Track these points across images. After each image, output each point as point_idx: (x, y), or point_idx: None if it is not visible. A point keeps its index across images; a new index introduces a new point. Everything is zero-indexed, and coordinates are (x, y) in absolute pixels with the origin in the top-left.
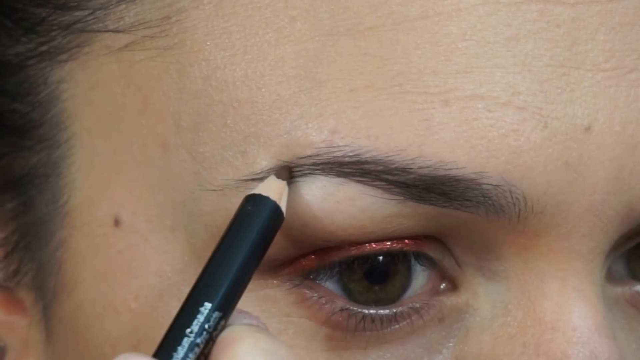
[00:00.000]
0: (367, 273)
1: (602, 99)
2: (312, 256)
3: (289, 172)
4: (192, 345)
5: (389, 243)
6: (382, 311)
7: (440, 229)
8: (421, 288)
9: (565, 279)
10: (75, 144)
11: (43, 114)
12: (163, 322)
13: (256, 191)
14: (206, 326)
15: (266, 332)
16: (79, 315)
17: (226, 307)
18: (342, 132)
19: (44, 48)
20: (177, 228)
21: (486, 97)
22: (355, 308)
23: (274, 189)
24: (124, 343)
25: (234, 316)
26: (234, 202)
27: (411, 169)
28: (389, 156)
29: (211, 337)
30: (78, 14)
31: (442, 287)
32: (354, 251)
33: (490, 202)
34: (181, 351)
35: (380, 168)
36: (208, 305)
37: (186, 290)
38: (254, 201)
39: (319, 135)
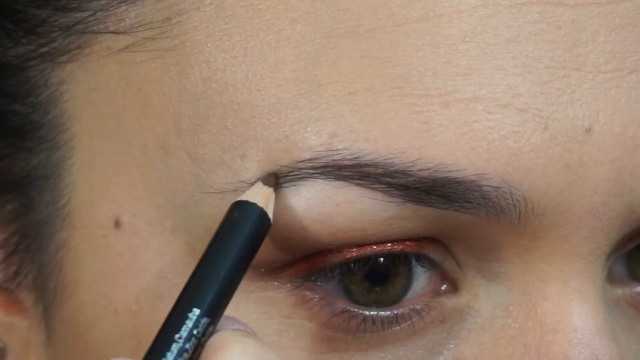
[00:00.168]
0: (368, 274)
1: (603, 100)
2: (313, 258)
3: (275, 179)
4: (181, 351)
5: (389, 245)
6: (382, 313)
7: (441, 230)
8: (422, 289)
9: (566, 281)
10: (76, 146)
11: (43, 116)
12: None
13: (243, 198)
14: (195, 332)
15: (254, 336)
16: (79, 317)
17: (214, 313)
18: (341, 136)
19: (44, 49)
20: (177, 230)
21: (486, 99)
22: (356, 310)
23: (260, 196)
24: (124, 344)
25: (222, 322)
26: None
27: (411, 171)
28: (388, 159)
29: (200, 342)
30: (78, 15)
31: (443, 288)
32: (354, 253)
33: (490, 204)
34: (170, 356)
35: (379, 171)
36: (196, 311)
37: None
38: (241, 207)
39: (317, 139)
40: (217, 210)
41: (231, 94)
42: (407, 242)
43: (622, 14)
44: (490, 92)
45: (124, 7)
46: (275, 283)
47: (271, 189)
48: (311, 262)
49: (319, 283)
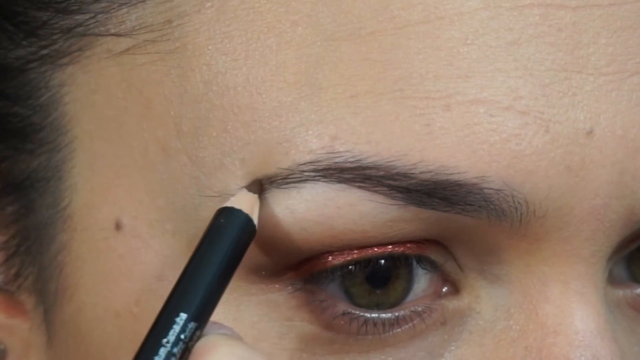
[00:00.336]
0: (369, 277)
1: (604, 102)
2: (314, 260)
3: (260, 186)
4: (169, 355)
5: (390, 247)
6: (384, 315)
7: (442, 233)
8: (423, 292)
9: (567, 283)
10: (77, 148)
11: (44, 118)
12: None
13: (228, 204)
14: (182, 336)
15: (241, 340)
16: (80, 319)
17: (201, 318)
18: (343, 138)
19: (45, 51)
20: (178, 232)
21: (488, 101)
22: (357, 312)
23: (246, 202)
24: (125, 347)
25: (209, 327)
26: None
27: (413, 174)
28: (390, 161)
29: (187, 347)
30: (79, 17)
31: (444, 290)
32: (355, 255)
33: (492, 206)
34: None
35: (381, 173)
36: (184, 315)
37: None
38: (227, 214)
39: (319, 141)
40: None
41: (232, 97)
42: (408, 244)
43: (623, 16)
44: (492, 94)
45: (125, 10)
46: (277, 285)
47: (256, 196)
48: (312, 265)
49: (319, 285)
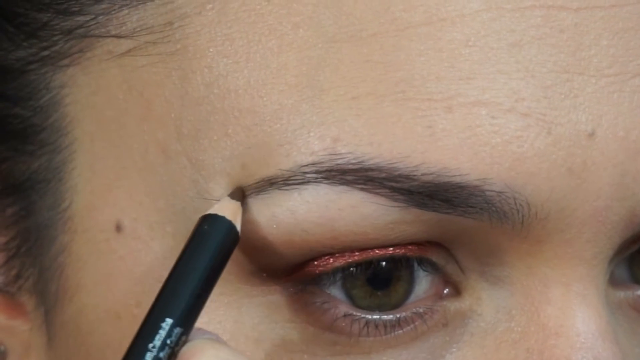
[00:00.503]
0: (370, 279)
1: (606, 104)
2: (315, 262)
3: (242, 194)
4: None
5: (391, 249)
6: (385, 317)
7: (444, 234)
8: (424, 293)
9: (569, 285)
10: (77, 149)
11: (44, 119)
12: None
13: (212, 211)
14: (168, 341)
15: (226, 344)
16: (80, 321)
17: (187, 323)
18: (345, 140)
19: (45, 53)
20: (179, 234)
21: (490, 103)
22: (358, 314)
23: (229, 209)
24: (125, 349)
25: (194, 332)
26: None
27: (415, 175)
28: (392, 163)
29: (173, 351)
30: (80, 19)
31: (445, 292)
32: (356, 257)
33: (493, 208)
34: None
35: (383, 175)
36: (169, 320)
37: None
38: (210, 221)
39: (321, 143)
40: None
41: (233, 100)
42: (410, 246)
43: (624, 18)
44: (494, 96)
45: (126, 11)
46: (277, 287)
47: (238, 203)
48: (313, 267)
49: (321, 287)
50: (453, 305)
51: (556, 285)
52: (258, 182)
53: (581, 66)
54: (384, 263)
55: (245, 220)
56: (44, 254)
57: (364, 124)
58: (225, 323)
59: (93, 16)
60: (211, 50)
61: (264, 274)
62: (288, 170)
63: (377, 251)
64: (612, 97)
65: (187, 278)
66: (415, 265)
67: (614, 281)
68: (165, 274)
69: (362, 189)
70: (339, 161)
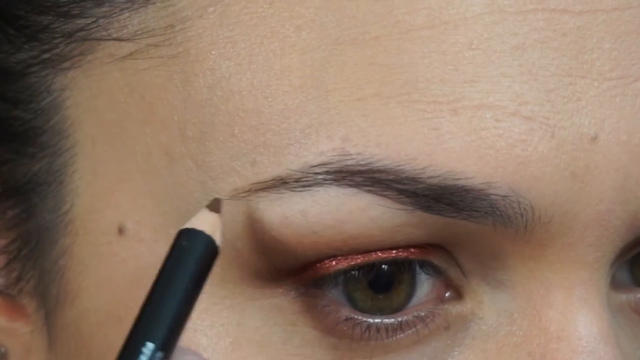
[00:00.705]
0: (372, 282)
1: (608, 108)
2: (317, 264)
3: (219, 205)
4: None
5: (394, 252)
6: (387, 320)
7: (447, 238)
8: (426, 296)
9: (571, 289)
10: (78, 152)
11: (45, 122)
12: None
13: (189, 225)
14: None
15: None
16: (82, 324)
17: (168, 345)
18: (354, 140)
19: (46, 56)
20: None
21: (494, 106)
22: (360, 317)
23: (207, 223)
24: None
25: (176, 354)
26: (242, 212)
27: (421, 178)
28: (399, 165)
29: None
30: (81, 22)
31: (446, 295)
32: (359, 260)
33: (498, 212)
34: None
35: (391, 177)
36: (150, 345)
37: None
38: (188, 236)
39: (330, 143)
40: (224, 217)
41: (237, 102)
42: (412, 249)
43: (627, 21)
44: (498, 99)
45: (127, 14)
46: (280, 290)
47: (217, 215)
48: (315, 269)
49: (323, 290)
50: (455, 308)
51: (558, 289)
52: (269, 181)
53: (584, 69)
54: (385, 266)
55: (254, 220)
56: (45, 256)
57: (371, 125)
58: (228, 326)
59: (94, 19)
60: (213, 52)
61: (267, 276)
62: (298, 171)
63: (379, 254)
64: (614, 100)
65: (167, 298)
66: (417, 268)
67: (615, 284)
68: None
69: (369, 191)
70: (349, 162)
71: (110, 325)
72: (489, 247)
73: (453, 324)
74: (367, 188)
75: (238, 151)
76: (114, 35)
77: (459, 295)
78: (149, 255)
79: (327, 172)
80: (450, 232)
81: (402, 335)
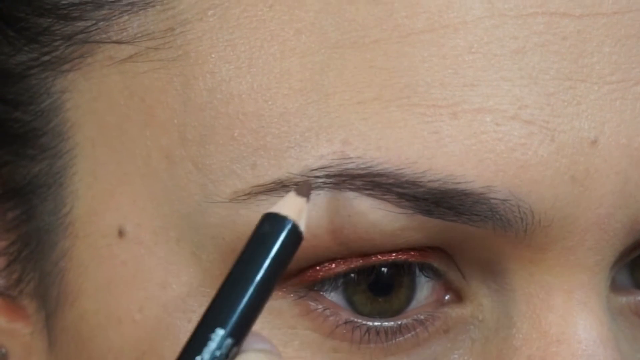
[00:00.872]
0: (372, 285)
1: (608, 111)
2: (317, 267)
3: (309, 189)
4: None
5: (394, 254)
6: (386, 323)
7: (447, 241)
8: (425, 299)
9: (571, 292)
10: (78, 154)
11: (45, 124)
12: (167, 334)
13: (274, 210)
14: (217, 353)
15: (279, 356)
16: (82, 326)
17: (239, 333)
18: (354, 144)
19: (46, 58)
20: (183, 240)
21: (494, 110)
22: (359, 320)
23: (293, 207)
24: (127, 354)
25: (248, 340)
26: (242, 214)
27: (421, 182)
28: (399, 169)
29: None
30: (81, 24)
31: (446, 298)
32: (359, 263)
33: (498, 216)
34: None
35: (390, 181)
36: (220, 331)
37: (191, 302)
38: (272, 221)
39: (330, 146)
40: (224, 220)
41: (237, 105)
42: (412, 252)
43: (627, 25)
44: (498, 103)
45: (126, 17)
46: (279, 293)
47: (304, 200)
48: (315, 271)
49: (322, 293)
50: (454, 311)
51: (558, 293)
52: (269, 184)
53: (584, 73)
54: (385, 269)
55: (255, 223)
56: (45, 258)
57: (372, 128)
58: None
59: (94, 22)
60: (213, 55)
61: None
62: (299, 174)
63: (379, 257)
64: (614, 104)
65: (243, 284)
66: (417, 270)
67: (615, 287)
68: (168, 279)
69: (369, 195)
70: (349, 165)
71: (110, 327)
72: (489, 251)
73: (453, 327)
74: (367, 192)
75: (238, 154)
76: (114, 38)
77: (458, 298)
78: (148, 258)
79: (327, 176)
80: (450, 236)
81: (401, 338)
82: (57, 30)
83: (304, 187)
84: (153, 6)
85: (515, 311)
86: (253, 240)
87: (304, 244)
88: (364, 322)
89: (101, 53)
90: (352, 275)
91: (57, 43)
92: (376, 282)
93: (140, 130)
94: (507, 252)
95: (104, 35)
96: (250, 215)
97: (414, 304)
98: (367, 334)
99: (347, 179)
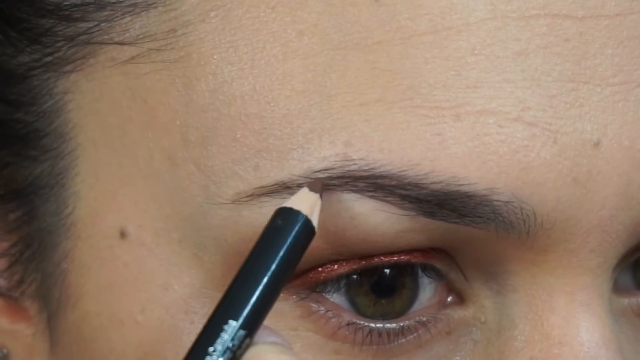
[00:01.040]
0: (374, 286)
1: (611, 113)
2: (319, 269)
3: (322, 185)
4: None
5: (396, 256)
6: (389, 325)
7: (449, 243)
8: (428, 301)
9: (573, 294)
10: (80, 155)
11: (47, 124)
12: (169, 336)
13: (287, 204)
14: (230, 345)
15: (291, 352)
16: (84, 327)
17: (252, 326)
18: (356, 145)
19: (48, 59)
20: (185, 241)
21: (497, 112)
22: (362, 322)
23: (306, 203)
24: (129, 356)
25: (260, 333)
26: (245, 216)
27: (424, 184)
28: (402, 171)
29: (235, 356)
30: (83, 25)
31: (448, 300)
32: (362, 264)
33: (500, 218)
34: None
35: (393, 183)
36: (233, 323)
37: (193, 303)
38: (285, 215)
39: (332, 148)
40: (226, 222)
41: (239, 106)
42: (414, 253)
43: (629, 27)
44: (500, 105)
45: (129, 18)
46: (282, 294)
47: (317, 195)
48: (317, 273)
49: (324, 295)
50: (457, 313)
51: (560, 295)
52: (271, 186)
53: (586, 75)
54: (387, 271)
55: (257, 225)
56: (47, 259)
57: (374, 130)
58: None
59: (96, 23)
60: (215, 57)
61: None
62: (301, 176)
63: (382, 258)
64: (617, 106)
65: (255, 277)
66: (419, 272)
67: (617, 288)
68: (170, 280)
69: (372, 197)
70: (351, 167)
71: (113, 328)
72: (491, 252)
73: (455, 329)
74: (369, 194)
75: (240, 155)
76: (116, 39)
77: (461, 299)
78: (150, 259)
79: (329, 178)
80: (452, 238)
81: (404, 340)
82: (59, 31)
83: (316, 183)
84: (155, 7)
85: (518, 313)
86: (266, 233)
87: None
88: (367, 324)
89: (103, 54)
90: (355, 276)
91: (59, 44)
92: (379, 283)
93: (143, 132)
94: (509, 254)
95: (106, 37)
96: (253, 217)
97: (417, 305)
98: (369, 336)
99: (349, 181)
